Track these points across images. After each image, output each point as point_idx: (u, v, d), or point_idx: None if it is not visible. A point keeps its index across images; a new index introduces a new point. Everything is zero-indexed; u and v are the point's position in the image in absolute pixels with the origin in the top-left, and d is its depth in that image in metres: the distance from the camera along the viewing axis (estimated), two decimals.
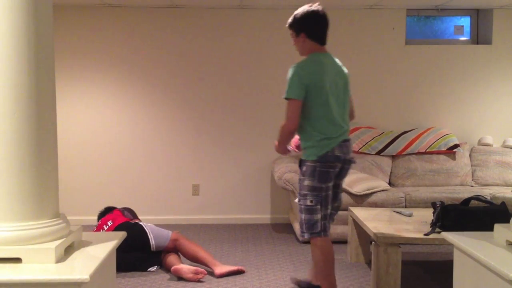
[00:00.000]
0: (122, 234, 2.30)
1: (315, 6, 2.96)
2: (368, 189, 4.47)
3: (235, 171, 5.41)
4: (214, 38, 5.35)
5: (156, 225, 4.00)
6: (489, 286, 2.00)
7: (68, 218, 2.08)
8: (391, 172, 5.12)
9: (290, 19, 3.00)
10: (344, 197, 4.44)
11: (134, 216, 4.16)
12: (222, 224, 5.33)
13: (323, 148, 2.85)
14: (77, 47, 5.27)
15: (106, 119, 5.34)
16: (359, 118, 5.42)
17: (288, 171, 4.61)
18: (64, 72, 5.22)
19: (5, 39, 1.81)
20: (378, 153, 5.15)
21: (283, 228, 5.17)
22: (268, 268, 3.83)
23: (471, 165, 5.16)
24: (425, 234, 3.10)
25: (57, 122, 2.06)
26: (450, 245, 2.39)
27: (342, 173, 3.00)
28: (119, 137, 5.35)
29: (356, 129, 5.23)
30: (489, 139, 5.30)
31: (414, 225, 3.36)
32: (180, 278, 3.54)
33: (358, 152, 5.14)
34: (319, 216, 2.85)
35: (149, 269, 3.74)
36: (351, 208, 3.99)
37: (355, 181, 4.51)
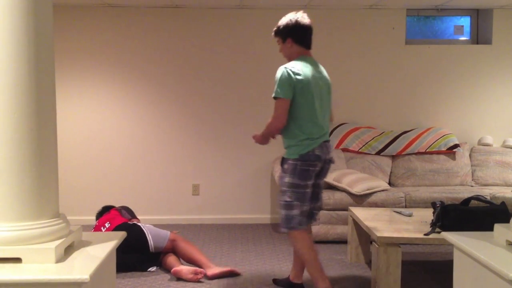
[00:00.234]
0: (122, 234, 2.30)
1: (300, 13, 3.13)
2: (368, 189, 4.47)
3: (235, 171, 5.42)
4: (214, 38, 5.35)
5: (155, 225, 4.01)
6: (489, 286, 2.00)
7: (68, 218, 2.08)
8: (391, 172, 5.12)
9: (276, 27, 3.16)
10: (344, 197, 4.46)
11: (132, 215, 4.15)
12: (222, 224, 5.33)
13: (305, 147, 3.01)
14: (77, 47, 5.27)
15: (106, 119, 5.34)
16: (360, 118, 5.47)
17: None
18: (64, 72, 5.22)
19: (5, 39, 1.81)
20: (378, 153, 5.15)
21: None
22: (268, 268, 3.83)
23: (471, 165, 5.16)
24: (425, 234, 3.10)
25: (57, 121, 2.06)
26: (450, 245, 2.39)
27: (322, 173, 3.15)
28: (119, 137, 5.35)
29: (356, 129, 5.23)
30: (489, 139, 5.30)
31: (414, 225, 3.36)
32: (180, 278, 3.54)
33: (358, 152, 5.15)
34: (296, 211, 3.01)
35: (149, 270, 3.74)
36: (351, 208, 3.98)
37: (355, 181, 4.51)
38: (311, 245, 3.09)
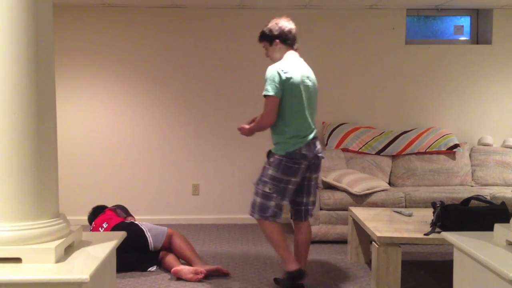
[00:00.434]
0: (122, 234, 2.30)
1: (284, 18, 3.30)
2: (368, 189, 4.47)
3: (235, 171, 5.42)
4: (214, 38, 5.35)
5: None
6: (489, 286, 2.00)
7: (68, 218, 2.08)
8: (391, 172, 5.12)
9: (260, 33, 3.30)
10: (344, 197, 4.46)
11: (127, 213, 4.13)
12: (222, 224, 5.33)
13: (292, 145, 3.12)
14: (77, 47, 5.27)
15: (106, 119, 5.34)
16: (360, 118, 5.47)
17: None
18: (64, 72, 5.22)
19: (5, 39, 1.81)
20: (378, 153, 5.15)
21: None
22: (268, 268, 3.83)
23: (471, 165, 5.16)
24: (425, 234, 3.09)
25: (57, 121, 2.06)
26: (450, 245, 2.39)
27: (312, 168, 3.26)
28: (119, 137, 5.35)
29: (356, 129, 5.24)
30: (489, 139, 5.30)
31: (414, 225, 3.36)
32: (180, 278, 3.54)
33: (358, 152, 5.15)
34: (273, 203, 3.15)
35: (148, 269, 3.74)
36: (351, 208, 3.98)
37: (355, 181, 4.51)
38: (279, 231, 3.21)
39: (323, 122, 5.37)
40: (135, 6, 5.25)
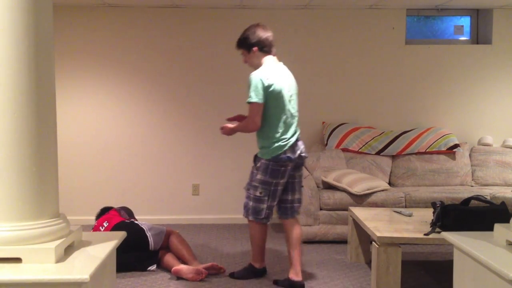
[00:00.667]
0: (122, 234, 2.30)
1: (259, 24, 3.40)
2: (368, 189, 4.47)
3: (235, 171, 5.41)
4: (214, 38, 5.35)
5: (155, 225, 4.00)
6: (489, 286, 2.00)
7: (68, 218, 2.08)
8: (391, 172, 5.12)
9: (238, 40, 3.42)
10: (344, 197, 4.46)
11: (131, 215, 4.16)
12: (222, 224, 5.33)
13: (277, 149, 3.28)
14: (77, 47, 5.27)
15: (106, 119, 5.34)
16: (359, 118, 5.47)
17: None
18: (64, 72, 5.22)
19: (5, 39, 1.81)
20: (378, 153, 5.15)
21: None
22: (268, 268, 3.83)
23: (471, 165, 5.16)
24: (425, 234, 3.10)
25: (57, 121, 2.06)
26: (450, 245, 2.39)
27: (296, 167, 3.41)
28: (119, 137, 5.35)
29: (356, 129, 5.23)
30: (489, 139, 5.30)
31: (414, 225, 3.36)
32: (180, 278, 3.54)
33: (358, 152, 5.15)
34: (265, 205, 3.38)
35: (148, 269, 3.75)
36: (351, 208, 3.99)
37: (355, 181, 4.51)
38: (264, 235, 3.53)
39: (323, 122, 5.37)
40: (135, 6, 5.25)
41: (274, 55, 3.39)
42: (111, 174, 5.34)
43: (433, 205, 3.17)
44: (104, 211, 4.09)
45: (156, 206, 5.37)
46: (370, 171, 5.01)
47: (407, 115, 5.46)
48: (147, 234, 3.72)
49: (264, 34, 3.34)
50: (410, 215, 3.68)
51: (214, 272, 3.64)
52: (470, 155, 5.22)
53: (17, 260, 1.81)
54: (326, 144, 5.18)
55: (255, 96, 3.22)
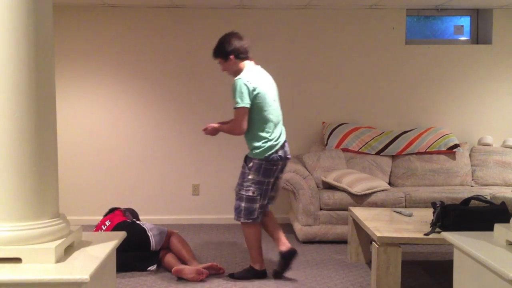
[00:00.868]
0: (122, 234, 2.30)
1: (233, 32, 3.52)
2: (368, 189, 4.47)
3: (235, 171, 5.35)
4: (214, 38, 5.30)
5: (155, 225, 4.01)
6: (489, 286, 2.00)
7: (68, 218, 2.09)
8: (391, 172, 5.12)
9: (214, 50, 3.53)
10: (344, 197, 4.46)
11: (135, 217, 4.16)
12: (222, 224, 5.33)
13: (270, 149, 3.39)
14: (77, 47, 5.27)
15: (106, 119, 5.34)
16: (359, 118, 5.47)
17: (287, 171, 4.60)
18: (64, 72, 5.22)
19: (5, 39, 1.81)
20: (378, 153, 5.15)
21: (282, 228, 5.10)
22: (269, 268, 3.82)
23: (471, 165, 5.16)
24: (425, 234, 3.10)
25: (57, 121, 2.06)
26: (450, 245, 2.40)
27: (282, 167, 3.54)
28: (119, 137, 5.35)
29: (356, 129, 5.23)
30: (489, 139, 5.30)
31: (414, 225, 3.36)
32: (180, 278, 3.54)
33: (358, 152, 5.15)
34: (257, 205, 3.44)
35: (148, 268, 3.75)
36: (351, 208, 3.98)
37: (355, 181, 4.51)
38: (259, 234, 3.54)
39: (323, 122, 5.37)
40: (135, 6, 5.25)
41: (251, 60, 3.49)
42: (111, 174, 5.35)
43: (433, 205, 3.17)
44: (112, 211, 4.10)
45: (156, 206, 5.37)
46: (370, 171, 5.01)
47: (407, 115, 5.46)
48: (149, 234, 3.73)
49: (239, 42, 3.44)
50: (410, 215, 3.68)
51: (213, 272, 3.64)
52: (470, 155, 5.22)
53: (17, 260, 1.81)
54: (326, 144, 5.18)
55: (241, 101, 3.31)
